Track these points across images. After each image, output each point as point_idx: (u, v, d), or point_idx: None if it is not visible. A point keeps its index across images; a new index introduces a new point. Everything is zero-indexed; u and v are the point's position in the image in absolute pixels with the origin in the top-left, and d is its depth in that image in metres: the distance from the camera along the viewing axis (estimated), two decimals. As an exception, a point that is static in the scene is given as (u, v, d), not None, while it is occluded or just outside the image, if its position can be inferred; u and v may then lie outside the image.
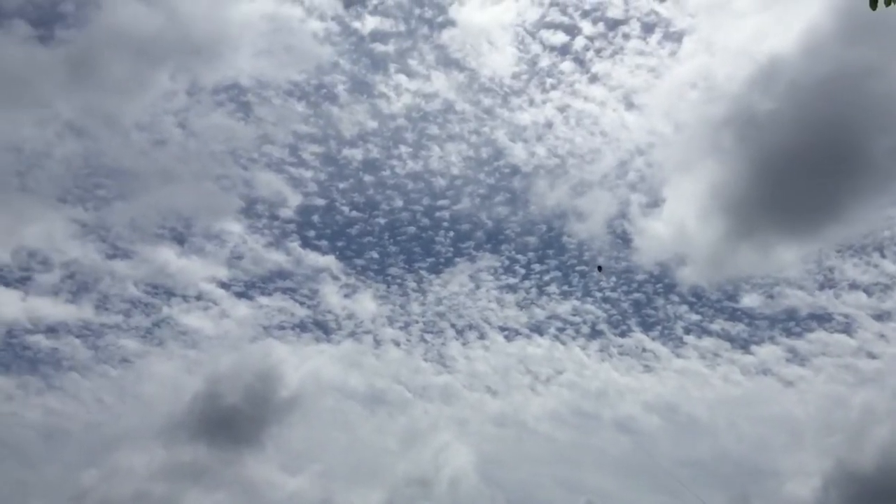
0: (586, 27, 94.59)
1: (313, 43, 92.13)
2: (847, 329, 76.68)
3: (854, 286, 78.50)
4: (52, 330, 73.53)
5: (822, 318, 77.77)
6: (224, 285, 79.62)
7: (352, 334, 78.92)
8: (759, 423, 77.25)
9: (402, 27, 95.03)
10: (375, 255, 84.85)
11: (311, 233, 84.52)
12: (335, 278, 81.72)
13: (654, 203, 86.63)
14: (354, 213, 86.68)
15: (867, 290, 77.84)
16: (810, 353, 76.46)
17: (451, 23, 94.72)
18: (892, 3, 14.11)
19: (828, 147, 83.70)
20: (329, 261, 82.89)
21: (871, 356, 75.41)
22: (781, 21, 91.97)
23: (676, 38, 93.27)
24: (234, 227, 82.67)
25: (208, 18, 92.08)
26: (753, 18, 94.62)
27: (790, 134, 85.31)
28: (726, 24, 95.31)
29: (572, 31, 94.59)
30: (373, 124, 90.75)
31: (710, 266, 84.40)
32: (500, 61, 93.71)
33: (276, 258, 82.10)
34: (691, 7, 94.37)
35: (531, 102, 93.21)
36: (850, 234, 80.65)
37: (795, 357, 76.57)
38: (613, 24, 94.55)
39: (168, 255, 79.84)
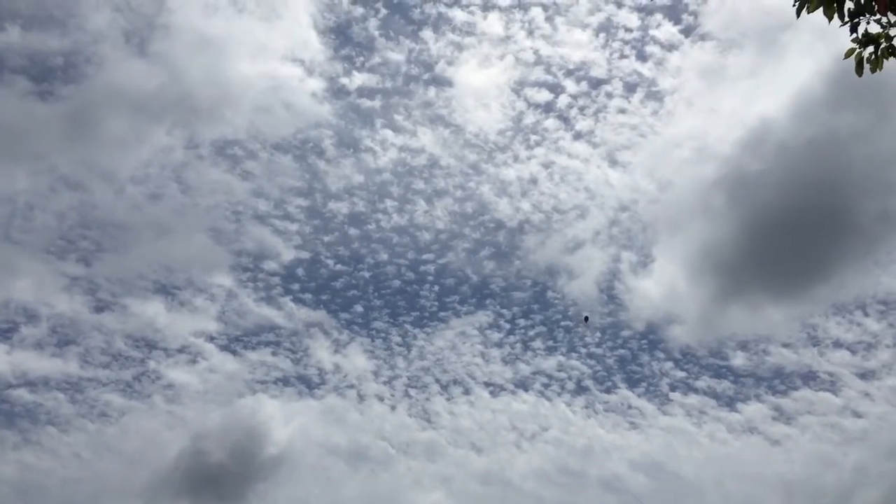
0: (570, 85, 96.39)
1: (311, 101, 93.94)
2: (832, 387, 76.48)
3: (838, 345, 78.47)
4: (33, 384, 73.55)
5: (806, 377, 77.62)
6: (212, 339, 79.85)
7: (335, 389, 78.76)
8: (747, 481, 76.48)
9: (389, 84, 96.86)
10: (360, 308, 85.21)
11: (299, 286, 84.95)
12: (324, 333, 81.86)
13: (644, 262, 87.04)
14: (339, 267, 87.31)
15: (851, 349, 77.78)
16: (796, 412, 76.13)
17: (439, 81, 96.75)
18: (879, 69, 14.79)
19: (816, 209, 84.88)
20: (317, 315, 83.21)
21: (857, 415, 75.07)
22: (772, 85, 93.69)
23: (659, 97, 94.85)
24: (225, 281, 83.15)
25: (209, 77, 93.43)
26: (744, 82, 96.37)
27: (779, 195, 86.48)
28: (716, 87, 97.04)
29: (556, 89, 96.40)
30: (359, 178, 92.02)
31: (699, 326, 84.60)
32: (486, 118, 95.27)
33: (265, 312, 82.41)
34: (677, 69, 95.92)
35: (516, 158, 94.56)
36: (836, 295, 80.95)
37: (781, 415, 76.24)
38: (596, 83, 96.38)
39: (158, 309, 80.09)
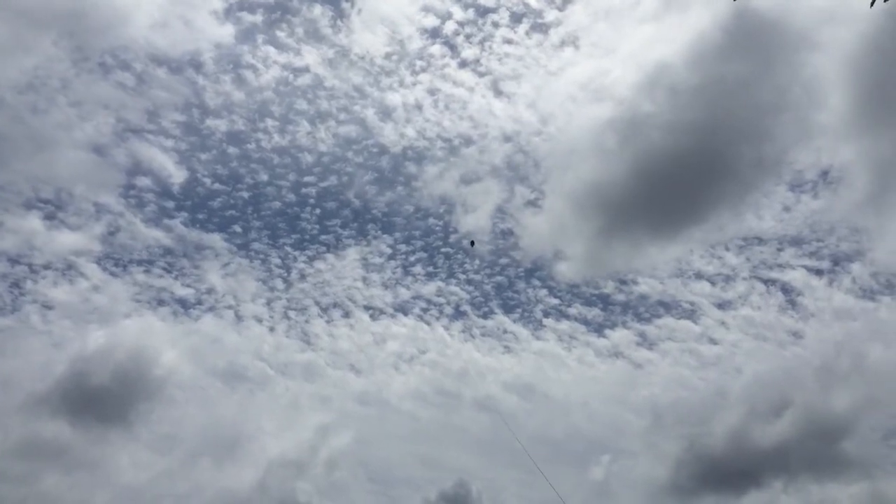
0: (457, 12, 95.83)
1: (211, 19, 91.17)
2: (692, 316, 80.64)
3: (700, 276, 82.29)
4: None
5: (669, 306, 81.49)
6: (94, 258, 78.69)
7: (212, 310, 77.54)
8: (611, 402, 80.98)
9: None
10: (239, 229, 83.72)
11: (174, 204, 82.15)
12: (203, 253, 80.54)
13: (534, 197, 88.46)
14: (218, 186, 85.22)
15: (711, 280, 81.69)
16: (658, 338, 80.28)
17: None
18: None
19: (699, 153, 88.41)
20: (196, 235, 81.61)
21: (713, 342, 79.61)
22: (673, 31, 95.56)
23: (544, 29, 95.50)
24: (109, 199, 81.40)
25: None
26: (647, 26, 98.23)
27: (666, 138, 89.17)
28: (618, 27, 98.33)
29: (443, 15, 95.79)
30: (239, 95, 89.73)
31: (582, 261, 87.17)
32: (372, 40, 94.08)
33: (151, 232, 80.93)
34: (564, 2, 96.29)
35: (401, 83, 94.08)
36: (710, 237, 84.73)
37: (645, 341, 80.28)
38: (483, 12, 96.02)
39: (35, 225, 78.02)
